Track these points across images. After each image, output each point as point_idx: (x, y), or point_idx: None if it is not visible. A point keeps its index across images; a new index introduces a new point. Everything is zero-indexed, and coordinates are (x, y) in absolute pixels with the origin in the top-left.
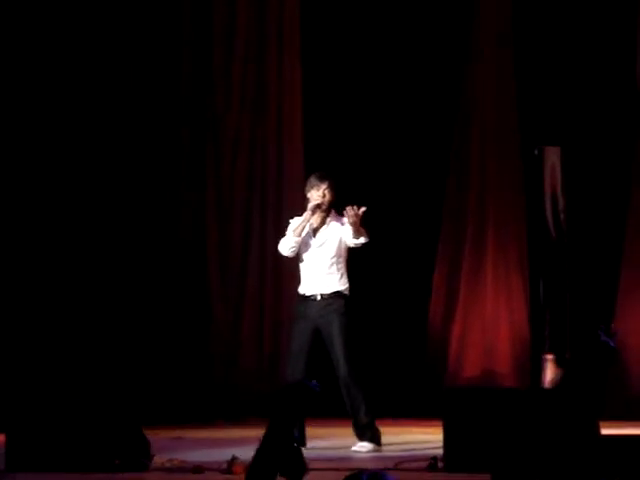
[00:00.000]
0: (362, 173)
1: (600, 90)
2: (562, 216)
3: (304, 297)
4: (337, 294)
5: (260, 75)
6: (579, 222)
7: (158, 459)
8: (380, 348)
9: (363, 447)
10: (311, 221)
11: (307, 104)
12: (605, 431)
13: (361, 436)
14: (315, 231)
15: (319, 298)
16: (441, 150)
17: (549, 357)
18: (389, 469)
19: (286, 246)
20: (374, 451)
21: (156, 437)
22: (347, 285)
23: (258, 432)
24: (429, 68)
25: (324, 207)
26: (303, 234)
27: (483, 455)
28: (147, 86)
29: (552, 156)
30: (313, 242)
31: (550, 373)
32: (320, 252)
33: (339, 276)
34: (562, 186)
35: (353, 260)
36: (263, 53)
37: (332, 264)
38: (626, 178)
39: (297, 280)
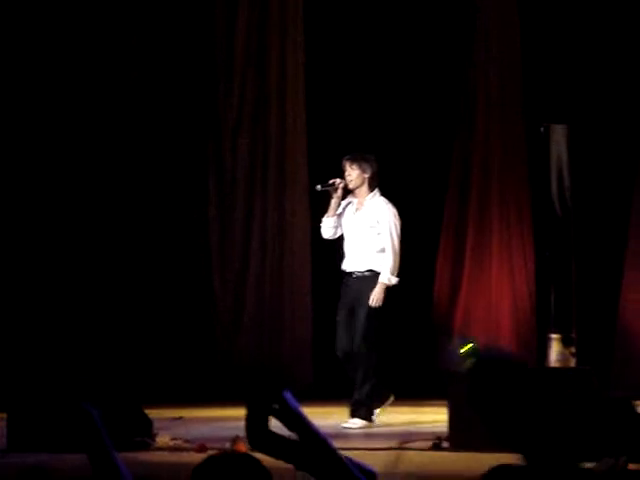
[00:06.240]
0: (367, 151)
1: (606, 67)
2: (568, 194)
3: (344, 273)
4: (372, 272)
5: (262, 69)
6: (585, 200)
7: (161, 439)
8: (385, 328)
9: (354, 423)
10: (355, 200)
11: (310, 91)
12: None
13: (353, 412)
14: (357, 210)
15: (356, 275)
16: (446, 128)
17: (554, 336)
18: (393, 449)
19: (323, 229)
20: (365, 427)
21: (158, 416)
22: None
23: None
24: (434, 46)
25: (351, 186)
26: (337, 212)
27: (488, 435)
28: (148, 81)
29: (558, 134)
30: (352, 220)
31: (555, 352)
32: (357, 230)
33: (376, 253)
34: (568, 164)
35: None
36: (265, 48)
37: (369, 241)
38: (633, 155)
39: (298, 261)
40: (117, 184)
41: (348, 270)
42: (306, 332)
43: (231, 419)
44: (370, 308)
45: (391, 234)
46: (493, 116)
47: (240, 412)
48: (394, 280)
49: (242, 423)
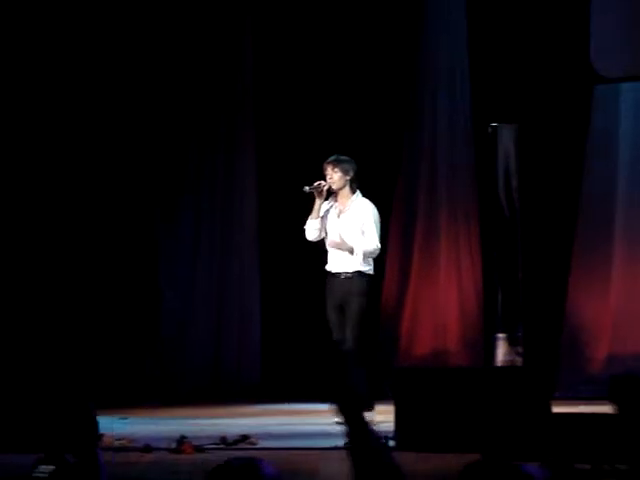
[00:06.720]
0: (316, 156)
1: (553, 68)
2: (515, 194)
3: (330, 274)
4: (359, 273)
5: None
6: (532, 200)
7: (107, 439)
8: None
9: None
10: (336, 203)
11: (258, 93)
12: (557, 409)
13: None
14: (340, 213)
15: (342, 276)
16: (394, 128)
17: (501, 336)
18: (339, 448)
19: (308, 231)
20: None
21: (103, 417)
22: (370, 265)
23: (206, 412)
24: (381, 49)
25: (335, 188)
26: (320, 215)
27: (434, 434)
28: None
29: (505, 134)
30: (336, 222)
31: (502, 351)
32: (342, 232)
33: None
34: (516, 164)
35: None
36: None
37: (353, 243)
38: (579, 157)
39: (246, 261)
40: (60, 184)
41: (334, 271)
42: (254, 332)
43: (176, 419)
44: (359, 306)
45: (375, 233)
46: (441, 117)
47: (184, 412)
48: (359, 256)
49: (186, 422)
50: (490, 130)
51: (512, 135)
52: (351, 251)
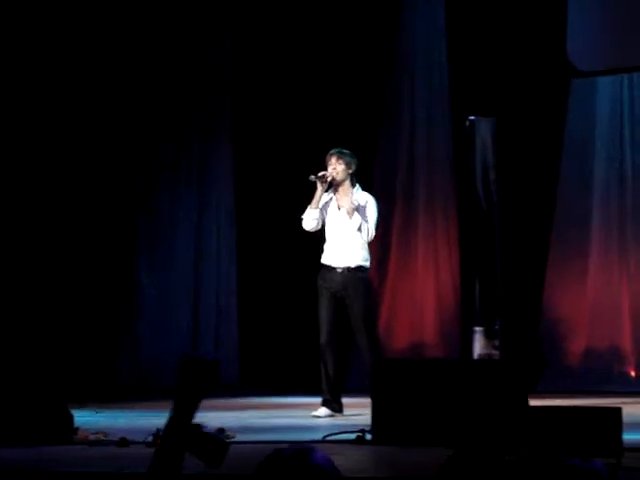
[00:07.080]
0: (292, 145)
1: (530, 61)
2: (493, 187)
3: (327, 268)
4: (358, 267)
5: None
6: (510, 194)
7: (82, 433)
8: (310, 322)
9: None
10: (336, 195)
11: (235, 91)
12: (535, 402)
13: None
14: (341, 206)
15: (341, 270)
16: (370, 120)
17: (478, 329)
18: (316, 441)
19: (306, 221)
20: None
21: (79, 411)
22: (369, 258)
23: None
24: (358, 34)
25: (338, 179)
26: (320, 205)
27: (411, 427)
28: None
29: (483, 127)
30: (337, 216)
31: (479, 345)
32: (342, 225)
33: (360, 249)
34: (494, 157)
35: (287, 231)
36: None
37: (353, 237)
38: (556, 150)
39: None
40: (43, 181)
41: (333, 265)
42: (231, 325)
43: (151, 413)
44: (363, 297)
45: (373, 222)
46: (419, 110)
47: (160, 406)
48: (357, 219)
49: (163, 416)
50: (468, 123)
51: (490, 128)
52: (352, 212)
